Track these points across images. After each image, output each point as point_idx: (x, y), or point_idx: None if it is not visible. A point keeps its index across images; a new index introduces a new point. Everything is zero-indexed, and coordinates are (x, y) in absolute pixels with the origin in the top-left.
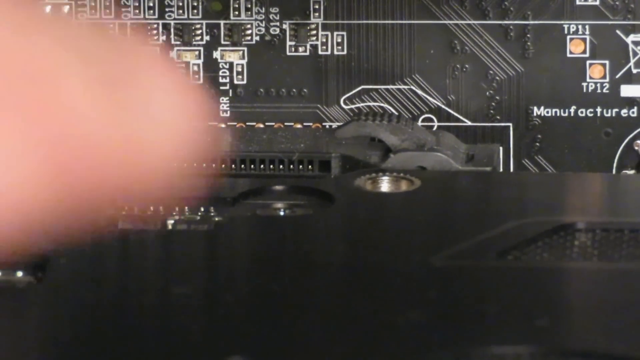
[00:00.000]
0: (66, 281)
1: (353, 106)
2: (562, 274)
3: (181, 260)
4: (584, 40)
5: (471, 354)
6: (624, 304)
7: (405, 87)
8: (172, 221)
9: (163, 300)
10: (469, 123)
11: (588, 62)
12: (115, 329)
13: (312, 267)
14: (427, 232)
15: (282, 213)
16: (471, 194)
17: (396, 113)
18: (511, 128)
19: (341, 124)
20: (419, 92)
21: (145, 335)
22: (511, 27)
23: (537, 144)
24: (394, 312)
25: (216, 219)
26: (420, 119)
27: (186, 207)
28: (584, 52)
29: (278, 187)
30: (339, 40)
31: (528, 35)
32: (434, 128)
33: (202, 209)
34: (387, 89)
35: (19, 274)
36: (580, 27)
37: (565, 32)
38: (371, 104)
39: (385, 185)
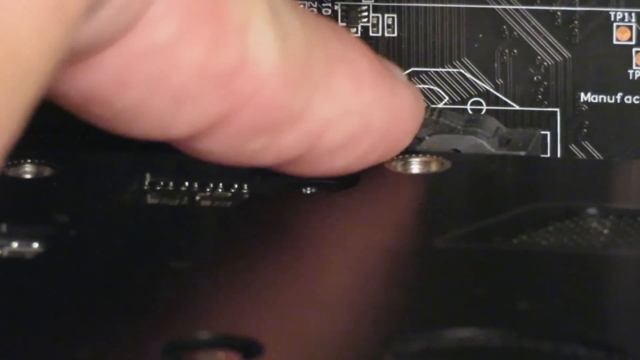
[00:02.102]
0: (78, 253)
1: None
2: (563, 259)
3: (200, 235)
4: (630, 27)
5: (442, 337)
6: (623, 292)
7: (455, 70)
8: (199, 197)
9: (175, 273)
10: (517, 107)
11: (634, 49)
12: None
13: (321, 245)
14: (442, 213)
15: (306, 192)
16: (497, 178)
17: (445, 96)
18: (558, 113)
19: None
20: (468, 75)
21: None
22: (558, 13)
23: (584, 130)
24: (384, 292)
25: (245, 197)
26: (469, 102)
27: (220, 183)
28: (630, 39)
29: None
30: (390, 22)
31: (575, 22)
32: (483, 112)
33: (235, 186)
34: (436, 72)
35: (35, 245)
36: (626, 14)
37: (612, 19)
38: (421, 86)
39: (415, 167)
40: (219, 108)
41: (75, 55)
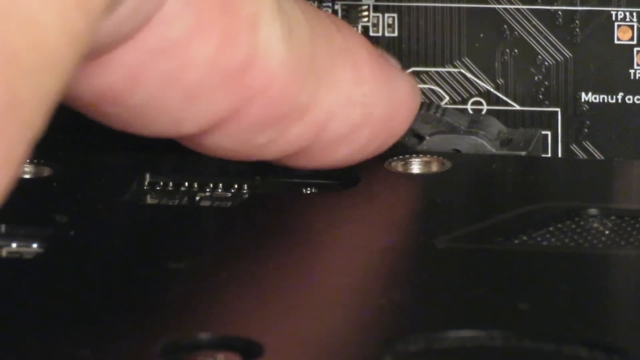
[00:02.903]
0: (78, 253)
1: None
2: (564, 259)
3: (199, 235)
4: (632, 27)
5: (442, 338)
6: (624, 292)
7: (455, 70)
8: (198, 197)
9: (170, 274)
10: (518, 107)
11: (635, 49)
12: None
13: (321, 246)
14: (442, 213)
15: (307, 192)
16: (498, 178)
17: (446, 96)
18: (559, 113)
19: None
20: (469, 75)
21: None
22: (559, 12)
23: (585, 130)
24: (384, 292)
25: (245, 196)
26: (470, 102)
27: (220, 184)
28: (632, 39)
29: None
30: (390, 22)
31: (576, 21)
32: (483, 111)
33: (235, 186)
34: (437, 72)
35: (34, 245)
36: (627, 14)
37: (613, 18)
38: (422, 86)
39: (415, 167)
40: (230, 103)
41: (90, 53)
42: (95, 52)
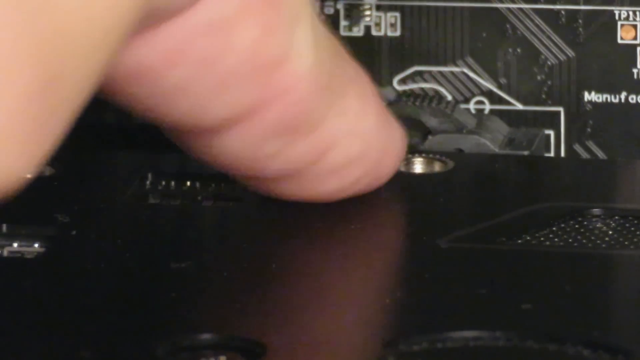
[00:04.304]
0: (79, 253)
1: (406, 87)
2: (567, 259)
3: (202, 235)
4: (635, 26)
5: (445, 339)
6: (628, 293)
7: (458, 69)
8: (200, 197)
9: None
10: (521, 107)
11: (639, 48)
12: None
13: (323, 246)
14: (445, 213)
15: None
16: (501, 178)
17: (448, 95)
18: (562, 113)
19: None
20: (471, 74)
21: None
22: (562, 11)
23: (588, 129)
24: (387, 292)
25: (247, 196)
26: (472, 102)
27: (222, 183)
28: (635, 38)
29: None
30: (393, 21)
31: (579, 21)
32: (486, 111)
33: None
34: (439, 71)
35: (35, 245)
36: (630, 13)
37: (616, 17)
38: (424, 85)
39: (418, 166)
40: (253, 98)
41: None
42: (139, 27)
